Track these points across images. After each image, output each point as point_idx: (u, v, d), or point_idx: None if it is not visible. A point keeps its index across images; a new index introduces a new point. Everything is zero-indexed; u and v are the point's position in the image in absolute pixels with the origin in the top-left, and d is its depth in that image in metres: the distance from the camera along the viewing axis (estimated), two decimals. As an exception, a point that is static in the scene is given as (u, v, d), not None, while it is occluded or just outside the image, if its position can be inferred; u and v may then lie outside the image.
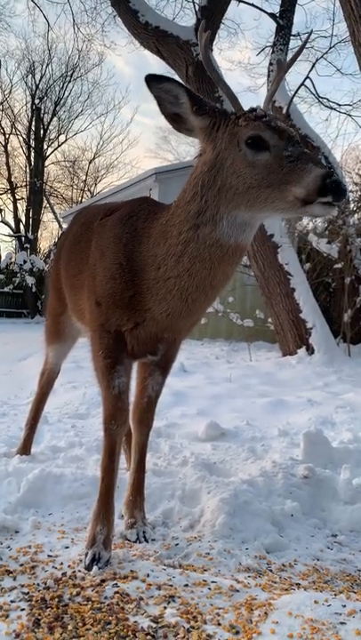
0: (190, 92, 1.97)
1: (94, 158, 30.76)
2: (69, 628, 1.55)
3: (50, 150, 28.91)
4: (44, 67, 27.72)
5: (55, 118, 28.65)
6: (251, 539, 2.29)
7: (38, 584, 1.81)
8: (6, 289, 19.14)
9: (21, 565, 1.94)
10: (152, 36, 8.49)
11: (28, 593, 1.75)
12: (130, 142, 42.88)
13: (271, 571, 2.07)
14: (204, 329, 10.17)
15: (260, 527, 2.37)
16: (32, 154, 27.64)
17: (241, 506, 2.47)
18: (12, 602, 1.69)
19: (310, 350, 7.36)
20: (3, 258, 20.49)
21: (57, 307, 2.86)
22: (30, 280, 18.30)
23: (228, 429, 3.94)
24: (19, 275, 18.73)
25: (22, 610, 1.65)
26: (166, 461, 3.13)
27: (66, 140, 29.38)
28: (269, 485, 2.73)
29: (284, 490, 2.72)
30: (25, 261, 18.69)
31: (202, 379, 6.13)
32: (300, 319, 7.51)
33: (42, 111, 28.20)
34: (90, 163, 30.63)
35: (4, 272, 19.14)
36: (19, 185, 27.65)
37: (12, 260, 19.31)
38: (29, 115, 27.99)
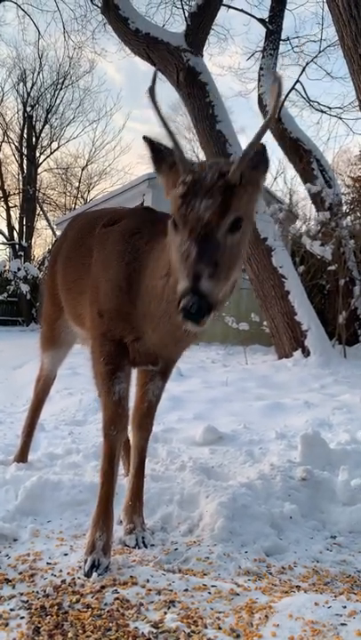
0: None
1: (87, 165, 30.80)
2: (69, 635, 1.54)
3: (42, 158, 28.93)
4: (35, 74, 27.75)
5: (47, 126, 28.68)
6: (250, 542, 2.29)
7: (38, 592, 1.80)
8: (0, 297, 19.09)
9: (20, 573, 1.93)
10: (142, 42, 8.54)
11: (28, 601, 1.74)
12: (122, 149, 42.89)
13: (271, 574, 2.07)
14: (200, 333, 10.16)
15: (259, 530, 2.37)
16: (24, 161, 27.63)
17: (240, 509, 2.47)
18: (11, 610, 1.68)
19: (306, 352, 7.37)
20: (-4, 265, 20.43)
21: (52, 312, 2.85)
22: (25, 288, 18.27)
23: (225, 433, 3.93)
24: (13, 282, 18.69)
25: (22, 618, 1.64)
26: (164, 466, 3.12)
27: (58, 147, 29.41)
28: (268, 488, 2.73)
29: (283, 492, 2.72)
30: (19, 269, 18.65)
31: (198, 383, 6.13)
32: (295, 321, 7.52)
33: (34, 119, 28.23)
34: (83, 169, 30.66)
35: (-3, 280, 19.09)
36: (11, 193, 27.64)
37: (6, 267, 19.27)
38: (21, 122, 28.01)
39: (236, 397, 5.36)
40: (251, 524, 2.40)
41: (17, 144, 27.96)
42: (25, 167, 27.58)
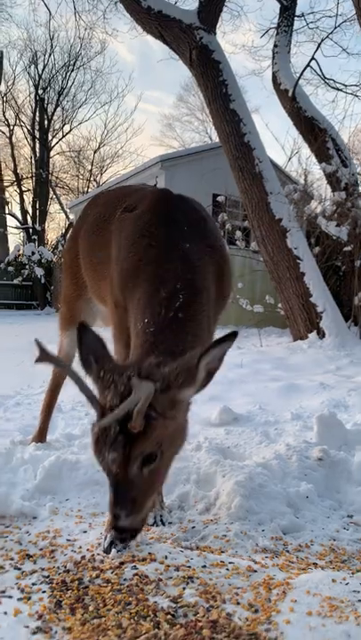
0: None
1: (99, 148, 30.68)
2: (90, 608, 1.57)
3: (55, 141, 28.85)
4: (46, 56, 27.61)
5: (59, 108, 28.58)
6: (267, 520, 2.30)
7: (58, 567, 1.83)
8: (15, 281, 19.21)
9: (41, 549, 1.97)
10: (155, 20, 8.41)
11: (49, 576, 1.77)
12: (134, 130, 42.77)
13: (288, 551, 2.08)
14: (214, 316, 10.14)
15: (275, 509, 2.39)
16: (37, 145, 27.57)
17: (256, 488, 2.48)
18: (33, 584, 1.72)
19: (321, 334, 7.34)
20: (11, 250, 20.54)
21: (72, 292, 2.86)
22: (39, 271, 18.36)
23: (240, 414, 3.95)
24: (27, 266, 18.78)
25: (43, 592, 1.67)
26: (180, 446, 3.14)
27: (70, 129, 29.32)
28: (284, 468, 2.74)
29: (299, 472, 2.73)
30: (33, 253, 18.74)
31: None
32: (310, 303, 7.47)
33: (45, 101, 28.10)
34: (95, 152, 30.55)
35: (12, 264, 19.19)
36: (24, 176, 27.64)
37: (21, 252, 19.36)
38: (33, 105, 27.93)
39: (251, 379, 5.36)
40: (267, 503, 2.41)
41: (29, 127, 27.91)
42: (37, 150, 27.53)
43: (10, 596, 1.65)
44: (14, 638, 1.44)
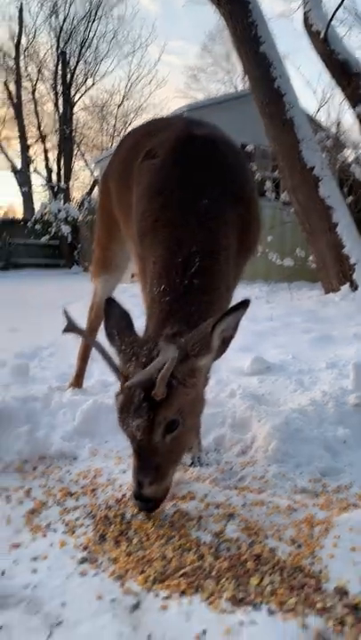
0: None
1: (123, 102, 29.99)
2: (134, 541, 1.60)
3: (78, 96, 28.30)
4: (67, 6, 26.77)
5: (81, 61, 27.88)
6: (305, 463, 2.29)
7: (100, 504, 1.86)
8: (42, 240, 19.25)
9: (82, 488, 2.00)
10: None
11: (92, 512, 1.81)
12: (158, 83, 41.56)
13: (328, 492, 2.07)
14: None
15: (313, 453, 2.37)
16: (60, 100, 27.10)
17: (293, 433, 2.47)
18: (76, 519, 1.75)
19: (354, 286, 7.18)
20: (37, 208, 20.53)
21: (106, 234, 2.81)
22: (66, 229, 18.34)
23: (273, 363, 3.91)
24: (54, 224, 18.77)
25: (87, 526, 1.71)
26: (214, 393, 3.14)
27: (93, 83, 28.69)
28: (320, 414, 2.71)
29: (336, 418, 2.70)
30: (59, 210, 18.68)
31: (243, 318, 6.08)
32: (342, 255, 7.29)
33: (67, 54, 27.44)
34: (118, 106, 29.91)
35: (39, 222, 19.20)
36: (48, 133, 27.33)
37: (47, 210, 19.32)
38: (55, 59, 27.30)
39: (282, 331, 5.31)
40: (304, 447, 2.40)
41: (52, 82, 27.37)
42: (60, 106, 27.08)
43: (55, 530, 1.68)
44: (61, 567, 1.47)
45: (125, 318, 1.83)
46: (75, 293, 8.52)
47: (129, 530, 1.67)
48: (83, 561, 1.50)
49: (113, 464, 2.23)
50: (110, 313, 1.85)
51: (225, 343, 1.73)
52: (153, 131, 2.46)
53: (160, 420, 1.63)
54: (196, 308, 1.81)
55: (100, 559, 1.52)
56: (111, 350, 1.80)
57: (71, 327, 1.78)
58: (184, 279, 1.84)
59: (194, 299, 1.82)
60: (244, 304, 1.67)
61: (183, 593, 1.36)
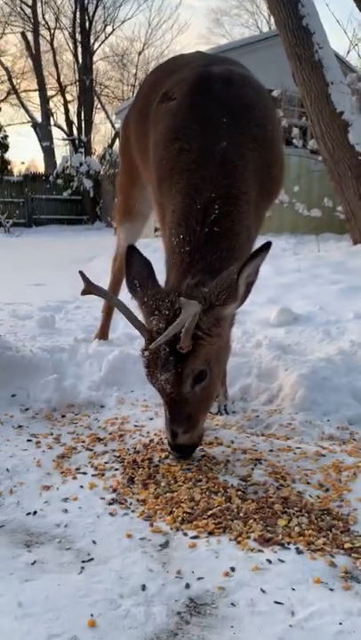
0: None
1: (143, 49, 29.07)
2: (162, 484, 1.62)
3: (97, 44, 27.45)
4: None
5: (100, 7, 26.88)
6: (332, 411, 2.28)
7: (128, 449, 1.89)
8: (64, 194, 19.12)
9: (110, 434, 2.03)
10: None
11: (120, 456, 1.83)
12: (180, 28, 40.01)
13: (355, 440, 2.06)
14: (269, 222, 9.80)
15: (340, 401, 2.35)
16: (79, 50, 26.34)
17: (320, 381, 2.45)
18: (105, 463, 1.78)
19: (383, 237, 6.98)
20: (58, 162, 20.32)
21: (127, 180, 2.76)
22: (88, 183, 18.16)
23: (300, 314, 3.87)
24: (76, 178, 18.58)
25: (116, 470, 1.74)
26: (240, 344, 3.12)
27: (113, 30, 27.78)
28: (348, 363, 2.67)
29: (364, 367, 2.66)
30: (81, 164, 18.45)
31: (269, 270, 5.97)
32: (372, 204, 7.05)
33: (85, 0, 26.45)
34: (139, 54, 29.02)
35: (61, 176, 19.03)
36: (68, 83, 26.74)
37: (68, 163, 19.10)
38: (73, 5, 26.37)
39: (309, 282, 5.22)
40: (332, 395, 2.38)
41: (70, 30, 26.55)
42: (80, 56, 26.33)
43: (84, 473, 1.72)
44: (91, 508, 1.51)
45: (147, 267, 1.80)
46: (98, 248, 8.51)
47: (157, 473, 1.69)
48: (112, 502, 1.53)
49: (140, 412, 2.25)
50: (132, 261, 1.83)
51: (248, 288, 1.69)
52: (172, 70, 2.34)
53: (188, 372, 1.63)
54: (217, 257, 1.76)
55: (129, 500, 1.54)
56: (133, 304, 1.79)
57: (89, 289, 1.76)
58: (204, 227, 1.79)
59: (215, 247, 1.78)
60: (266, 246, 1.63)
61: (211, 533, 1.38)
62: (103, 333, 3.14)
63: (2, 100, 26.00)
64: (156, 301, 1.70)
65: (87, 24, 26.63)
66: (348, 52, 10.90)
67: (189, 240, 1.79)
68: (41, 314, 3.84)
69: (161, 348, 1.62)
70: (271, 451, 1.89)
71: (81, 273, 1.77)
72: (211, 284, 1.66)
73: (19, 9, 25.82)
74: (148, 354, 1.66)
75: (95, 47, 27.31)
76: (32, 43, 25.28)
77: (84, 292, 1.77)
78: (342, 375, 2.55)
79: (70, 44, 26.76)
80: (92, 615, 1.08)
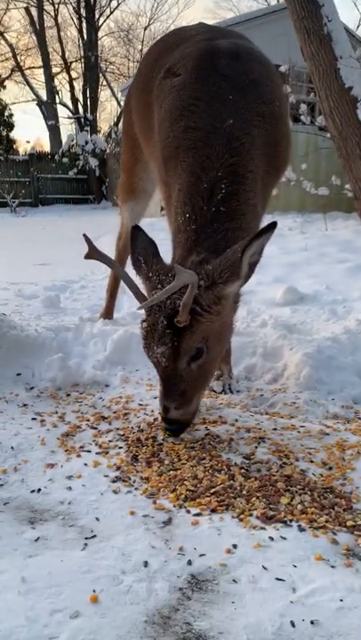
0: None
1: (149, 24, 28.51)
2: (166, 462, 1.62)
3: (102, 19, 26.93)
4: None
5: (105, -20, 26.30)
6: (337, 390, 2.28)
7: (132, 427, 1.90)
8: (70, 173, 18.96)
9: (115, 412, 2.04)
10: None
11: (124, 435, 1.84)
12: (186, 2, 39.14)
13: (360, 418, 2.06)
14: (275, 201, 9.69)
15: (346, 380, 2.35)
16: (84, 25, 25.86)
17: (325, 360, 2.44)
18: (109, 441, 1.79)
19: (392, 215, 6.88)
20: (64, 141, 20.12)
21: (130, 158, 2.72)
22: (93, 162, 17.99)
23: (306, 294, 3.84)
24: (81, 157, 18.40)
25: (120, 448, 1.74)
26: (245, 323, 3.11)
27: (118, 5, 27.27)
28: (354, 342, 2.66)
29: (370, 346, 2.65)
30: (87, 142, 18.26)
31: (276, 250, 5.93)
32: (381, 182, 6.94)
33: (90, -27, 25.87)
34: (145, 29, 28.46)
35: (66, 155, 18.86)
36: (73, 60, 26.34)
37: (74, 142, 18.91)
38: (77, -22, 25.80)
39: (316, 261, 5.17)
40: (337, 374, 2.37)
41: (74, 5, 26.03)
42: (85, 31, 25.87)
43: (88, 451, 1.73)
44: (95, 485, 1.52)
45: (152, 246, 1.80)
46: (104, 228, 8.45)
47: (160, 451, 1.70)
48: (116, 480, 1.54)
49: (144, 391, 2.25)
50: (136, 240, 1.82)
51: (251, 268, 1.67)
52: (175, 43, 2.28)
53: (185, 348, 1.62)
54: (222, 236, 1.74)
55: (133, 478, 1.55)
56: (138, 280, 1.78)
57: (92, 253, 1.75)
58: (210, 206, 1.77)
59: (221, 226, 1.76)
60: (271, 227, 1.61)
61: (214, 510, 1.38)
62: (108, 313, 3.14)
63: (6, 78, 25.67)
64: (159, 276, 1.70)
65: (92, -2, 26.10)
66: (359, 26, 10.62)
67: (195, 219, 1.77)
68: (46, 293, 3.84)
69: (159, 321, 1.61)
70: (275, 429, 1.89)
71: (85, 236, 1.75)
72: (214, 261, 1.65)
73: (22, -17, 25.32)
74: (147, 325, 1.67)
75: (100, 22, 26.79)
76: (36, 18, 24.85)
77: (87, 256, 1.75)
78: (348, 354, 2.54)
79: (75, 20, 26.27)
80: (94, 591, 1.09)
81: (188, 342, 1.62)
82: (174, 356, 1.62)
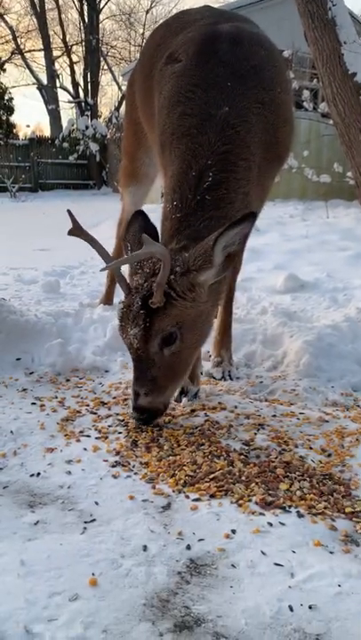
0: None
1: (152, 7, 28.12)
2: (165, 448, 1.63)
3: (103, 2, 26.55)
4: None
5: None
6: (337, 378, 2.28)
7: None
8: (70, 159, 18.82)
9: (114, 398, 2.04)
10: None
11: (124, 420, 1.84)
12: (189, -16, 38.43)
13: (359, 406, 2.06)
14: (277, 188, 9.62)
15: (346, 368, 2.35)
16: (85, 7, 25.51)
17: (325, 348, 2.43)
18: (109, 426, 1.79)
19: (394, 204, 6.84)
20: (64, 125, 19.95)
21: (133, 142, 2.69)
22: (94, 147, 17.84)
23: (307, 281, 3.83)
24: (82, 142, 18.25)
25: (119, 433, 1.75)
26: (245, 311, 3.10)
27: (120, -14, 26.74)
28: (355, 330, 2.65)
29: (371, 334, 2.64)
30: (87, 127, 18.10)
31: (276, 237, 5.92)
32: (383, 170, 6.90)
33: None
34: (147, 12, 28.07)
35: (67, 140, 18.71)
36: (74, 43, 26.02)
37: (74, 126, 18.75)
38: None
39: (317, 249, 5.15)
40: (337, 362, 2.37)
41: (75, -14, 25.64)
42: (86, 14, 25.52)
43: (88, 436, 1.73)
44: (95, 470, 1.52)
45: (147, 232, 1.77)
46: (105, 213, 8.40)
47: (160, 437, 1.70)
48: (115, 464, 1.54)
49: (144, 376, 2.25)
50: (132, 225, 1.83)
51: (230, 258, 1.67)
52: (179, 27, 2.24)
53: (156, 329, 1.62)
54: (205, 225, 1.73)
55: (132, 463, 1.55)
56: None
57: (76, 230, 1.74)
58: (197, 194, 1.75)
59: (205, 214, 1.75)
60: (249, 217, 1.60)
61: (213, 496, 1.39)
62: (108, 299, 3.13)
63: (6, 61, 25.39)
64: (141, 261, 1.71)
65: (93, -21, 25.72)
66: (363, 10, 10.47)
67: (181, 207, 1.77)
68: (46, 278, 3.82)
69: (134, 302, 1.64)
70: (274, 416, 1.89)
71: (69, 212, 1.75)
72: (192, 249, 1.66)
73: (22, -36, 24.96)
74: (123, 307, 1.69)
75: (101, 5, 26.43)
76: (37, 0, 24.51)
77: (71, 233, 1.75)
78: (348, 342, 2.53)
79: (76, 2, 25.91)
80: (93, 574, 1.09)
81: (159, 324, 1.62)
82: (146, 336, 1.63)
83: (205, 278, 1.65)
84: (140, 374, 1.68)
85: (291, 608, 1.01)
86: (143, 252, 1.56)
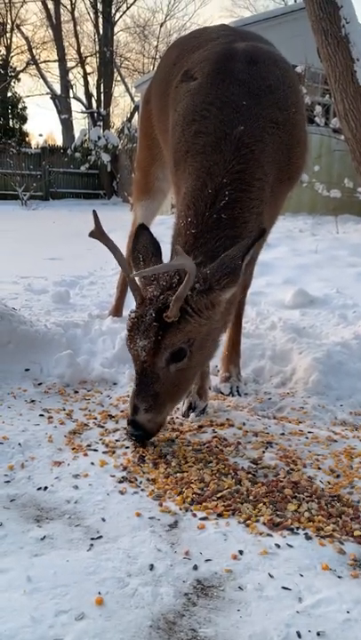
0: None
1: (166, 20, 28.44)
2: (173, 464, 1.62)
3: (118, 15, 26.90)
4: None
5: (122, -25, 26.25)
6: (346, 396, 2.27)
7: (139, 427, 1.88)
8: (82, 169, 18.97)
9: (122, 411, 2.03)
10: None
11: (131, 434, 1.83)
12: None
13: (368, 425, 2.04)
14: (286, 202, 9.63)
15: (355, 386, 2.34)
16: (100, 20, 25.83)
17: (335, 365, 2.43)
18: (116, 440, 1.79)
19: None
20: (77, 135, 20.12)
21: (146, 157, 2.71)
22: (105, 157, 17.97)
23: (316, 297, 3.82)
24: (94, 152, 18.40)
25: (127, 447, 1.74)
26: (254, 325, 3.10)
27: (135, 0, 27.13)
28: (364, 348, 2.64)
29: (380, 352, 2.63)
30: (99, 137, 18.25)
31: (286, 251, 5.91)
32: (394, 186, 6.90)
33: (107, -33, 25.82)
34: (161, 25, 28.40)
35: (78, 150, 18.87)
36: (88, 55, 26.32)
37: (86, 137, 18.91)
38: (94, -27, 25.75)
39: (326, 264, 5.14)
40: (346, 380, 2.36)
41: (91, 0, 26.00)
42: (100, 26, 25.84)
43: (95, 450, 1.72)
44: (102, 485, 1.51)
45: (153, 246, 1.80)
46: (114, 223, 8.44)
47: (167, 453, 1.69)
48: (122, 480, 1.54)
49: (152, 390, 2.24)
50: (140, 237, 1.83)
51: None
52: (195, 46, 2.26)
53: (167, 343, 1.60)
54: (221, 243, 1.74)
55: (140, 479, 1.55)
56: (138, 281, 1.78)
57: (98, 234, 1.73)
58: (212, 212, 1.76)
59: (220, 233, 1.75)
60: (262, 233, 1.65)
61: (220, 515, 1.38)
62: (117, 310, 3.14)
63: (21, 71, 25.72)
64: (157, 274, 1.70)
65: (109, -7, 26.04)
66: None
67: (196, 224, 1.77)
68: (56, 289, 3.84)
69: (148, 313, 1.61)
70: (283, 434, 1.88)
71: (94, 213, 1.74)
72: (212, 265, 1.64)
73: (40, -24, 25.30)
74: (134, 317, 1.66)
75: (116, 18, 26.77)
76: (53, 12, 24.85)
77: (92, 235, 1.75)
78: (357, 360, 2.52)
79: (91, 14, 26.25)
80: (99, 593, 1.08)
81: (171, 338, 1.60)
82: (155, 350, 1.60)
83: (227, 297, 1.66)
84: (143, 388, 1.65)
85: (299, 634, 1.00)
86: (176, 263, 1.55)
